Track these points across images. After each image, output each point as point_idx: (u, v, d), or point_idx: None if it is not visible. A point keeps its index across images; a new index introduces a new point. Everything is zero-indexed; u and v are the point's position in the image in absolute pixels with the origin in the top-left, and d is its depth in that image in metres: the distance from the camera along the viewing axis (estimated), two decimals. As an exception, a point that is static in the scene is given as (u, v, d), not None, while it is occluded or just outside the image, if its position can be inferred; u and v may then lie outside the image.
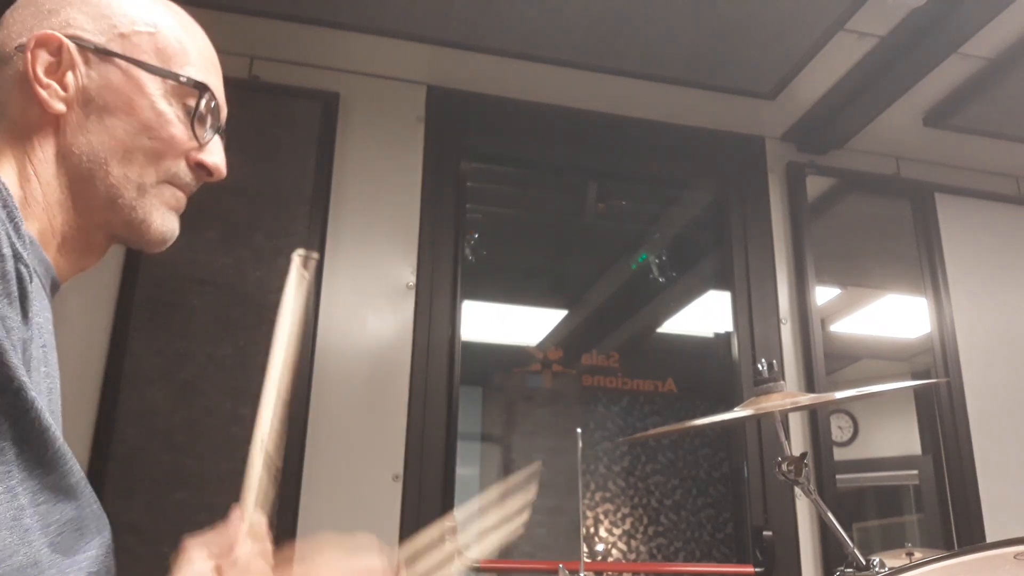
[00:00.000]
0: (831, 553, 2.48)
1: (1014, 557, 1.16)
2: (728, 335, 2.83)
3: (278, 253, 2.38)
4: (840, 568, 1.38)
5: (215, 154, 0.85)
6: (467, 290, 2.64)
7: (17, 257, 0.62)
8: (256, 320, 2.31)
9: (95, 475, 2.09)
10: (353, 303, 2.43)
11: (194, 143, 0.82)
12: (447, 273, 2.54)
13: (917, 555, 2.06)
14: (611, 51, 2.53)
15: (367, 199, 2.54)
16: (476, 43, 2.52)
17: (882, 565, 1.34)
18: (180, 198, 0.84)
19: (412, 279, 2.49)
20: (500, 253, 3.35)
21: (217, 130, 0.85)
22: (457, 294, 2.53)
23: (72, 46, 0.77)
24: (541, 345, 3.37)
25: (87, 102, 0.78)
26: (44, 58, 0.77)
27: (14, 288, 0.61)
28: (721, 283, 2.95)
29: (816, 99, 2.74)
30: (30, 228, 0.74)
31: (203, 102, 0.82)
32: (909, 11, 2.26)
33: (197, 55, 0.84)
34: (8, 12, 0.81)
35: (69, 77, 0.77)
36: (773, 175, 2.93)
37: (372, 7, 2.37)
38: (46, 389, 0.68)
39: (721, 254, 2.95)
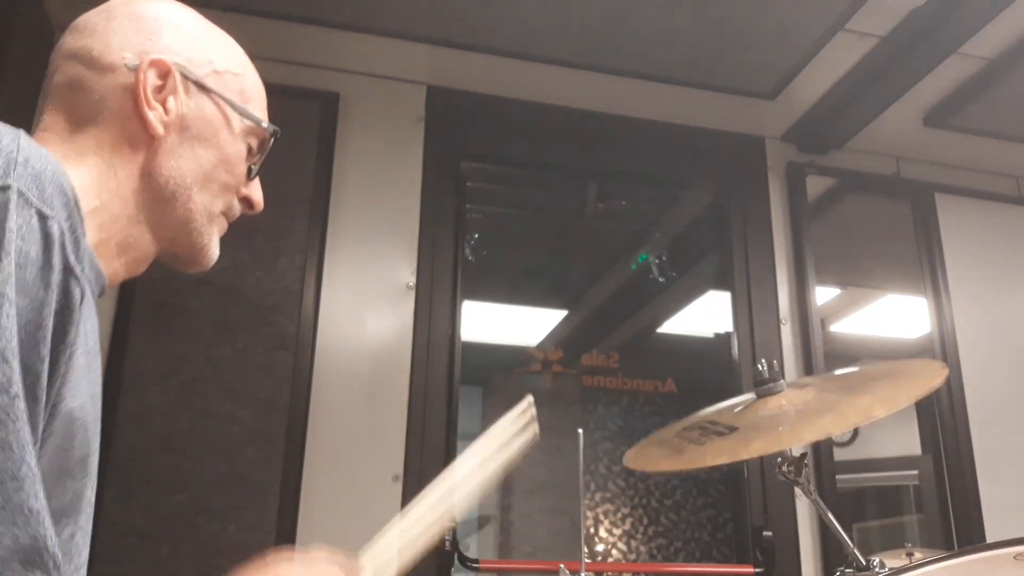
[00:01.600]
0: (831, 553, 2.48)
1: (1014, 557, 1.16)
2: (728, 335, 2.83)
3: (278, 254, 2.38)
4: (840, 568, 1.38)
5: (259, 190, 0.93)
6: (467, 290, 2.63)
7: (69, 271, 0.63)
8: (256, 321, 2.31)
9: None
10: (353, 303, 2.43)
11: (244, 179, 0.90)
12: (447, 273, 2.54)
13: (917, 555, 2.05)
14: (611, 51, 2.53)
15: (367, 199, 2.54)
16: (476, 43, 2.52)
17: (882, 565, 1.34)
18: (224, 228, 0.91)
19: (412, 279, 2.49)
20: (500, 253, 3.35)
21: (258, 169, 0.93)
22: (457, 294, 2.53)
23: (178, 75, 0.82)
24: (541, 345, 3.37)
25: (183, 129, 0.82)
26: (153, 80, 0.81)
27: (52, 300, 0.62)
28: (721, 283, 2.95)
29: (816, 99, 2.74)
30: (93, 237, 0.75)
31: (267, 145, 0.90)
32: (909, 11, 2.26)
33: (263, 102, 0.92)
34: (103, 20, 0.83)
35: (171, 102, 0.82)
36: (773, 175, 2.93)
37: (372, 7, 2.37)
38: (89, 395, 0.69)
39: (721, 254, 2.95)
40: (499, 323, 3.51)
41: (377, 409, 2.36)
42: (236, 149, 0.86)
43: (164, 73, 0.81)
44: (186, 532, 2.07)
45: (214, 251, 0.89)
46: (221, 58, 0.86)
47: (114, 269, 0.80)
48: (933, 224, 2.99)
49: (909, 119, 2.82)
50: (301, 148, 2.48)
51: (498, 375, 3.42)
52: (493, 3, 2.33)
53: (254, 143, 0.89)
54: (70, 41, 0.83)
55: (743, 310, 2.77)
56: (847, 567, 1.37)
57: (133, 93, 0.79)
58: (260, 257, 2.36)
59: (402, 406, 2.36)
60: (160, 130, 0.80)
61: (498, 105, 2.74)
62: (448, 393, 2.43)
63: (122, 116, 0.80)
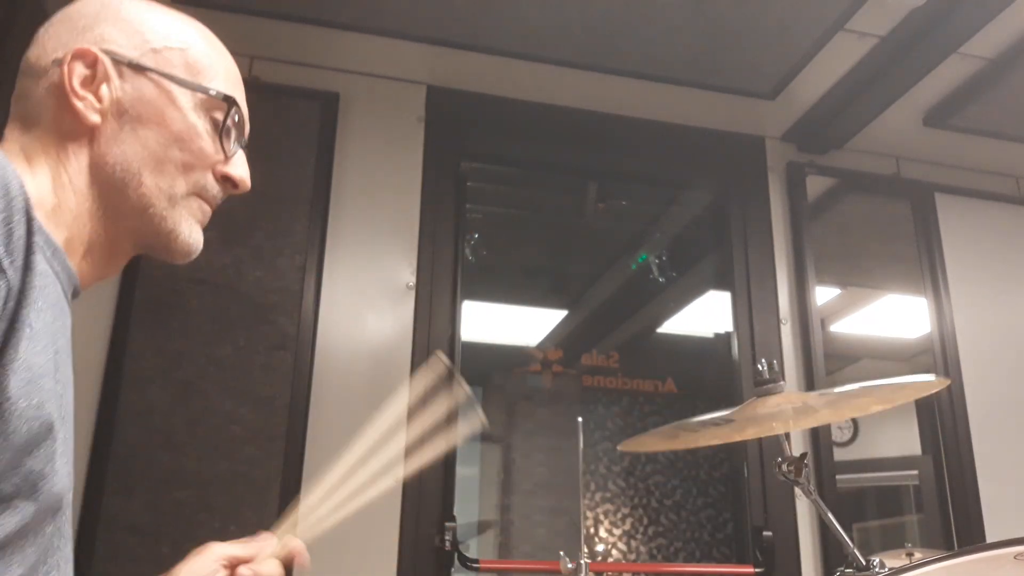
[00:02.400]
0: (831, 553, 2.48)
1: (1014, 557, 1.16)
2: (728, 335, 2.83)
3: (278, 253, 2.38)
4: (840, 568, 1.38)
5: (240, 167, 0.87)
6: (467, 290, 2.63)
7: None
8: (255, 320, 2.31)
9: (95, 475, 2.10)
10: (353, 303, 2.43)
11: (220, 156, 0.85)
12: (447, 273, 2.54)
13: (917, 555, 2.06)
14: (611, 51, 2.53)
15: (367, 199, 2.54)
16: (476, 43, 2.52)
17: (882, 565, 1.34)
18: (206, 211, 0.87)
19: (412, 279, 2.49)
20: (500, 253, 3.35)
21: (242, 144, 0.88)
22: (457, 294, 2.53)
23: (107, 60, 0.80)
24: (541, 345, 3.37)
25: (121, 114, 0.80)
26: (80, 71, 0.79)
27: None
28: (721, 283, 2.95)
29: (816, 99, 2.74)
30: (58, 236, 0.75)
31: (230, 115, 0.85)
32: (909, 11, 2.26)
33: (224, 71, 0.87)
34: (43, 28, 0.84)
35: (104, 90, 0.80)
36: (773, 175, 2.93)
37: (372, 7, 2.37)
38: (56, 396, 0.68)
39: (721, 254, 2.95)
40: (499, 323, 3.51)
41: (377, 409, 2.35)
42: (188, 125, 0.82)
43: (91, 62, 0.80)
44: (187, 530, 2.07)
45: (186, 235, 0.85)
46: (160, 36, 0.83)
47: (83, 268, 0.80)
48: (933, 224, 2.99)
49: (909, 119, 2.82)
50: (301, 148, 2.48)
51: (498, 375, 3.42)
52: (493, 3, 2.33)
53: (218, 116, 0.85)
54: (24, 56, 0.84)
55: (743, 310, 2.77)
56: (847, 567, 1.37)
57: (62, 88, 0.79)
58: (260, 256, 2.36)
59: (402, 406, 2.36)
60: (94, 119, 0.79)
61: (498, 105, 2.74)
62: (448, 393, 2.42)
63: (58, 114, 0.79)
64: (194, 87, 0.83)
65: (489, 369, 3.39)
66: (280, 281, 2.36)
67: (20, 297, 0.63)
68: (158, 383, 2.20)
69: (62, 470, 0.68)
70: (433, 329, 2.46)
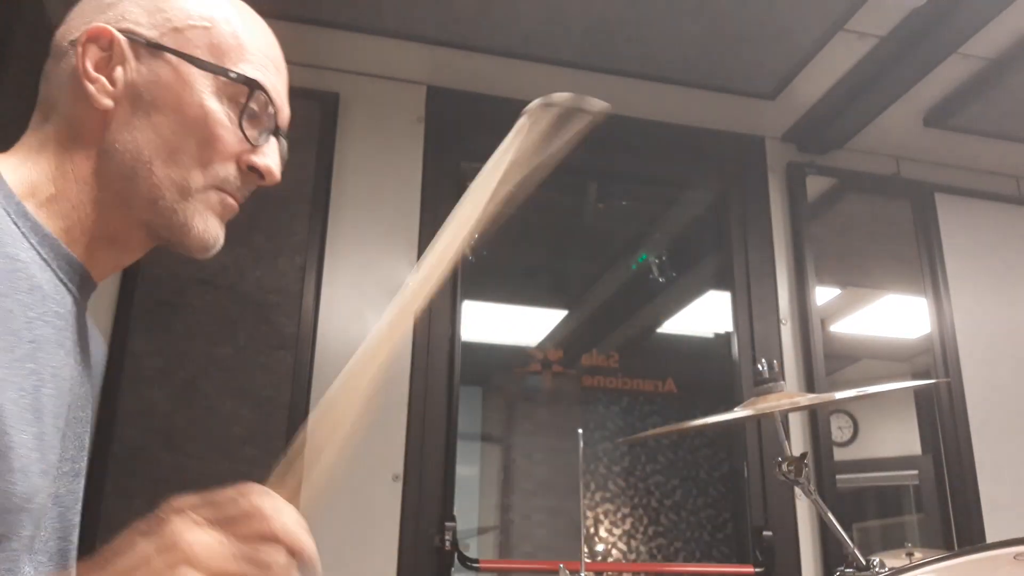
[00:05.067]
0: (831, 553, 2.48)
1: (1014, 557, 1.16)
2: (728, 335, 2.83)
3: (278, 253, 2.38)
4: (840, 568, 1.38)
5: (268, 156, 0.80)
6: (467, 290, 2.63)
7: None
8: (256, 320, 2.31)
9: (95, 475, 2.10)
10: (353, 303, 2.43)
11: (246, 145, 0.78)
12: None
13: (917, 555, 2.05)
14: (611, 51, 2.53)
15: (367, 199, 2.54)
16: (476, 43, 2.52)
17: (882, 565, 1.34)
18: (229, 204, 0.80)
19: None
20: (500, 253, 3.35)
21: (273, 132, 0.81)
22: (457, 294, 2.53)
23: (124, 40, 0.75)
24: (541, 345, 3.37)
25: (135, 98, 0.75)
26: (95, 52, 0.75)
27: None
28: (721, 283, 2.95)
29: (816, 99, 2.74)
30: (55, 225, 0.73)
31: (252, 99, 0.78)
32: (909, 11, 2.26)
33: (255, 52, 0.80)
34: (73, 8, 0.80)
35: (118, 72, 0.75)
36: (773, 175, 2.93)
37: (372, 7, 2.37)
38: (30, 388, 0.65)
39: (721, 254, 2.95)
40: (499, 323, 3.51)
41: (377, 409, 2.36)
42: (205, 112, 0.75)
43: (107, 43, 0.75)
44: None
45: (199, 231, 0.77)
46: (183, 12, 0.77)
47: (90, 257, 0.76)
48: (933, 224, 2.99)
49: (909, 119, 2.82)
50: (301, 148, 2.48)
51: (498, 375, 3.42)
52: (493, 3, 2.33)
53: (243, 100, 0.77)
54: (55, 34, 0.80)
55: (743, 310, 2.77)
56: (847, 567, 1.37)
57: (76, 70, 0.75)
58: (260, 256, 2.36)
59: (402, 406, 2.36)
60: (106, 103, 0.74)
61: (498, 105, 2.74)
62: (448, 393, 2.43)
63: (73, 97, 0.75)
64: (214, 69, 0.76)
65: (489, 369, 3.40)
66: (280, 281, 2.36)
67: None
68: (158, 383, 2.20)
69: (28, 468, 0.63)
70: (433, 329, 2.46)
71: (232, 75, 0.77)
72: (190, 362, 2.24)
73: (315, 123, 2.52)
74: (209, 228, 0.78)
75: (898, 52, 2.42)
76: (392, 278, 2.49)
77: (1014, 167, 3.13)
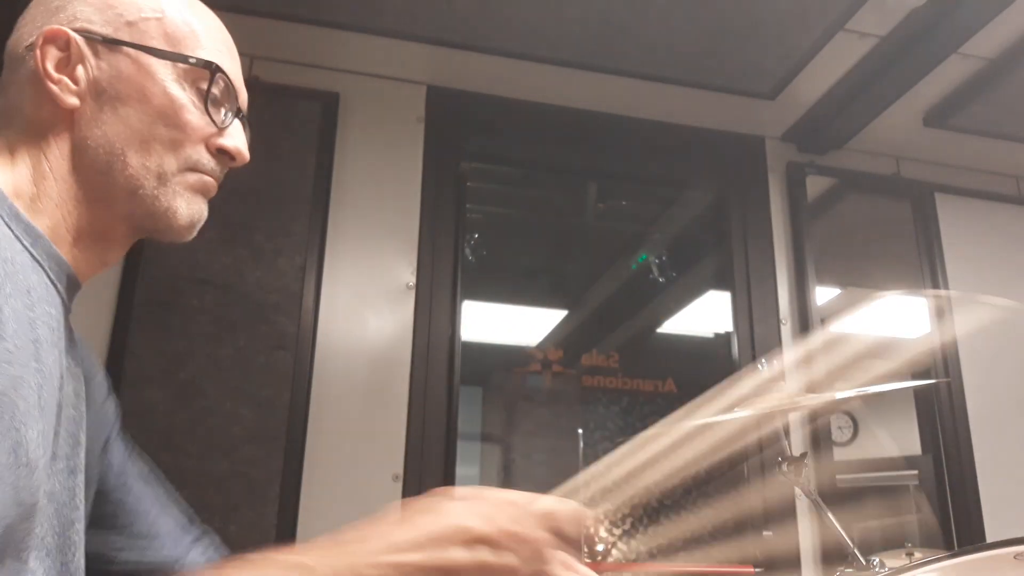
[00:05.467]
0: (831, 553, 2.47)
1: (1014, 557, 1.16)
2: (728, 335, 2.83)
3: (278, 253, 2.38)
4: (840, 568, 1.38)
5: (235, 137, 0.83)
6: (467, 290, 2.63)
7: None
8: (256, 321, 2.31)
9: (95, 475, 2.10)
10: (353, 303, 2.43)
11: (212, 128, 0.81)
12: (447, 273, 2.54)
13: (917, 555, 2.05)
14: (611, 51, 2.53)
15: (367, 199, 2.54)
16: (476, 43, 2.51)
17: (882, 565, 1.34)
18: (207, 181, 0.82)
19: (412, 279, 2.49)
20: (500, 253, 3.35)
21: (236, 113, 0.83)
22: (457, 294, 2.53)
23: (80, 39, 0.77)
24: (541, 345, 3.37)
25: (99, 94, 0.77)
26: (54, 54, 0.76)
27: None
28: (721, 283, 2.95)
29: (816, 99, 2.74)
30: (40, 224, 0.73)
31: (214, 82, 0.80)
32: (909, 11, 2.26)
33: (208, 38, 0.82)
34: (22, 16, 0.81)
35: (79, 71, 0.77)
36: (773, 175, 2.93)
37: (372, 7, 2.37)
38: (36, 385, 0.66)
39: (721, 254, 2.95)
40: (499, 323, 3.50)
41: (377, 409, 2.36)
42: (170, 99, 0.78)
43: (64, 43, 0.77)
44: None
45: (184, 211, 0.79)
46: (133, 7, 0.79)
47: (77, 256, 0.77)
48: (933, 224, 2.99)
49: (909, 119, 2.82)
50: (301, 148, 2.48)
51: (498, 375, 3.42)
52: (493, 3, 2.33)
53: (204, 84, 0.80)
54: (6, 45, 0.82)
55: (743, 310, 2.77)
56: (847, 567, 1.37)
57: (37, 73, 0.76)
58: (260, 256, 2.36)
59: (402, 406, 2.36)
60: (71, 101, 0.76)
61: (498, 105, 2.74)
62: (448, 393, 2.43)
63: (37, 100, 0.76)
64: (172, 57, 0.79)
65: (489, 369, 3.39)
66: (280, 281, 2.36)
67: None
68: (158, 383, 2.20)
69: (36, 463, 0.64)
70: (433, 329, 2.46)
71: (192, 60, 0.79)
72: (190, 362, 2.24)
73: (315, 123, 2.51)
74: (192, 207, 0.81)
75: (898, 52, 2.42)
76: (392, 278, 2.49)
77: (1014, 167, 3.13)
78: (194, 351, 2.25)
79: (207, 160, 0.81)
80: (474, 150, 2.79)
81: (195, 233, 0.82)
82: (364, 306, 2.44)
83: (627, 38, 2.47)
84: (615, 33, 2.45)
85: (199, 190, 0.81)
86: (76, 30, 0.77)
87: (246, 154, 0.84)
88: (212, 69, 0.80)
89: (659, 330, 3.65)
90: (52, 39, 0.77)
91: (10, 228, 0.70)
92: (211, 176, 0.82)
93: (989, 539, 2.59)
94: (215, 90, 0.80)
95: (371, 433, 2.33)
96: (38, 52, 0.76)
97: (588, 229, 3.52)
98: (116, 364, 2.19)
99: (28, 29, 0.79)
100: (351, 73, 2.63)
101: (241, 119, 0.85)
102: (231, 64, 0.84)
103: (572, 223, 3.55)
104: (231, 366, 2.25)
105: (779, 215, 2.89)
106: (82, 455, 0.79)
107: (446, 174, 2.64)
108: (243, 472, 2.18)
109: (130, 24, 0.79)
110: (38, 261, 0.72)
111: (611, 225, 3.55)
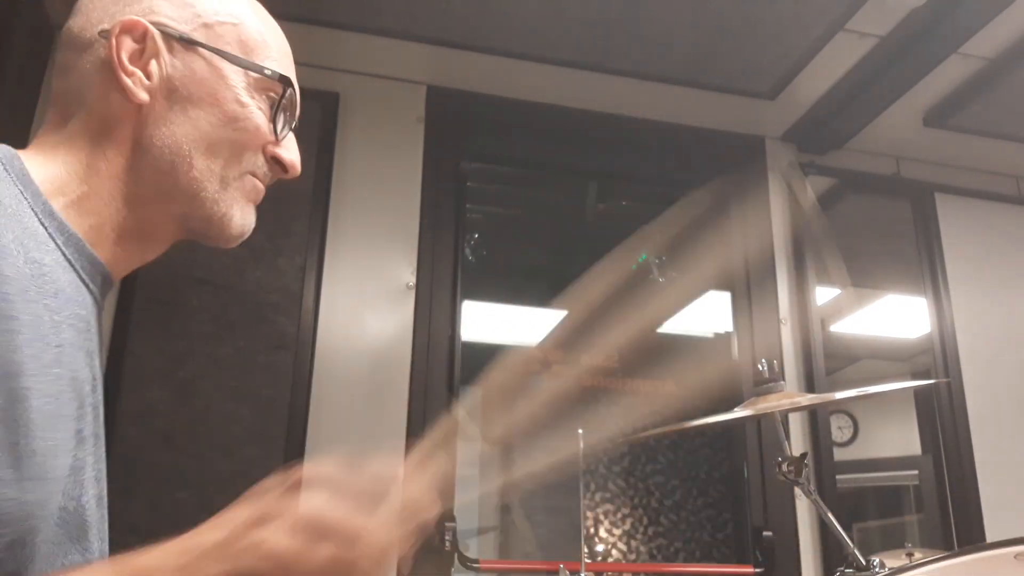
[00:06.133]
0: (831, 553, 2.47)
1: (1014, 557, 1.16)
2: (728, 335, 2.83)
3: (278, 253, 2.38)
4: (840, 568, 1.38)
5: (292, 150, 0.83)
6: (467, 290, 2.64)
7: None
8: (256, 321, 2.31)
9: (95, 475, 2.10)
10: (353, 303, 2.43)
11: (272, 137, 0.81)
12: (447, 273, 2.54)
13: (917, 555, 2.05)
14: (611, 51, 2.53)
15: (367, 199, 2.54)
16: (476, 43, 2.52)
17: (882, 565, 1.34)
18: (259, 189, 0.82)
19: (412, 279, 2.49)
20: (500, 253, 3.35)
21: (292, 127, 0.84)
22: (457, 294, 2.53)
23: (157, 34, 0.75)
24: (541, 345, 3.37)
25: (171, 92, 0.76)
26: (128, 45, 0.75)
27: None
28: (721, 283, 2.94)
29: (816, 99, 2.74)
30: (83, 223, 0.72)
31: (285, 96, 0.80)
32: (909, 11, 2.26)
33: (277, 49, 0.83)
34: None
35: (153, 66, 0.75)
36: (773, 175, 2.93)
37: (372, 7, 2.37)
38: (55, 392, 0.65)
39: (721, 254, 2.94)
40: (499, 323, 3.51)
41: (377, 409, 2.36)
42: (242, 104, 0.77)
43: (141, 35, 0.75)
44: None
45: (239, 219, 0.80)
46: (211, 9, 0.78)
47: (117, 254, 0.76)
48: (933, 224, 2.99)
49: (909, 119, 2.82)
50: (301, 148, 2.48)
51: (498, 375, 3.42)
52: (493, 3, 2.33)
53: (273, 95, 0.80)
54: (65, 26, 0.79)
55: (743, 310, 2.77)
56: (847, 567, 1.37)
57: (109, 63, 0.74)
58: (260, 256, 2.36)
59: (402, 406, 2.36)
60: (143, 96, 0.74)
61: (498, 105, 2.74)
62: (448, 393, 2.43)
63: (104, 91, 0.74)
64: (248, 66, 0.78)
65: (489, 369, 3.39)
66: (280, 281, 2.36)
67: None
68: (158, 383, 2.20)
69: (46, 475, 0.63)
70: (433, 329, 2.46)
71: (267, 72, 0.79)
72: (190, 362, 2.24)
73: (315, 123, 2.52)
74: (246, 216, 0.81)
75: (898, 52, 2.42)
76: (392, 278, 2.49)
77: (1014, 167, 3.13)
78: (194, 351, 2.25)
79: (262, 166, 0.81)
80: (474, 150, 2.79)
81: (242, 241, 0.82)
82: (364, 306, 2.44)
83: (627, 38, 2.47)
84: (615, 33, 2.45)
85: (252, 198, 0.82)
86: (153, 23, 0.75)
87: (299, 167, 0.84)
88: (285, 83, 0.80)
89: (659, 330, 3.66)
90: (129, 30, 0.75)
91: (44, 226, 0.69)
92: (263, 181, 0.83)
93: (989, 539, 2.59)
94: (284, 101, 0.81)
95: (371, 433, 2.33)
96: (114, 41, 0.74)
97: (588, 229, 3.52)
98: (116, 364, 2.19)
99: (97, 14, 0.77)
100: (351, 73, 2.63)
101: (293, 131, 0.85)
102: (294, 77, 0.84)
103: (572, 223, 3.55)
104: (231, 366, 2.25)
105: (779, 215, 2.89)
106: (104, 460, 0.78)
107: (446, 174, 2.64)
108: (243, 472, 2.18)
109: (207, 26, 0.78)
110: (70, 261, 0.70)
111: (611, 225, 3.56)
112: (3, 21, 2.08)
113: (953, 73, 2.59)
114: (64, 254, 0.70)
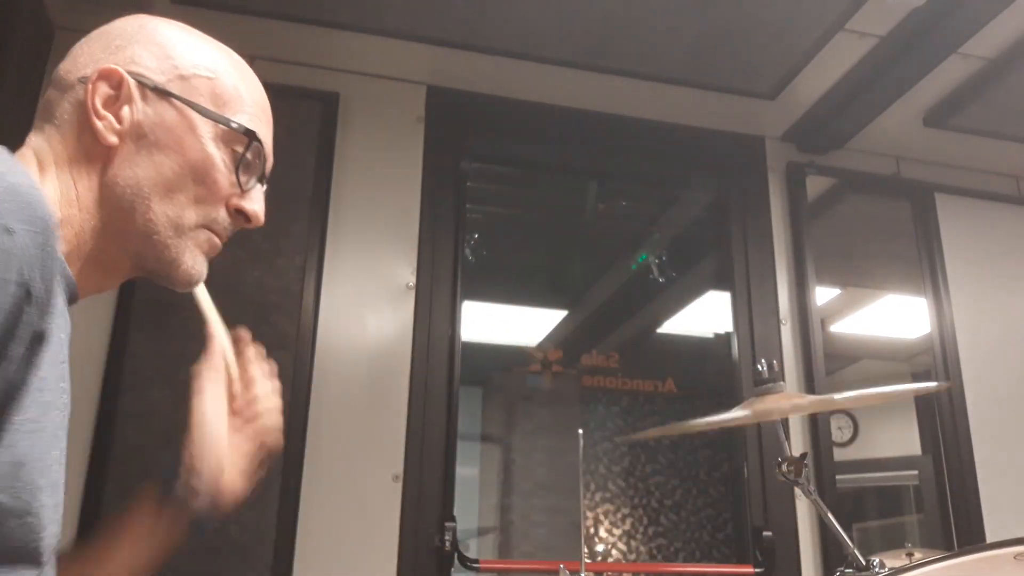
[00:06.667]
0: (831, 553, 2.48)
1: (1014, 557, 1.16)
2: (728, 335, 2.83)
3: (278, 254, 2.38)
4: (840, 568, 1.38)
5: (255, 201, 0.87)
6: (467, 290, 2.63)
7: (26, 291, 0.60)
8: (255, 321, 2.31)
9: (95, 475, 2.10)
10: (353, 303, 2.43)
11: (236, 189, 0.85)
12: (447, 273, 2.54)
13: (917, 555, 2.05)
14: (611, 51, 2.53)
15: (367, 199, 2.54)
16: (476, 43, 2.52)
17: (882, 565, 1.34)
18: (215, 243, 0.87)
19: (412, 279, 2.49)
20: (500, 253, 3.35)
21: (260, 179, 0.88)
22: (457, 294, 2.53)
23: (132, 82, 0.80)
24: (541, 345, 3.37)
25: (139, 136, 0.80)
26: (104, 91, 0.80)
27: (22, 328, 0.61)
28: (721, 283, 2.95)
29: (816, 99, 2.74)
30: (60, 249, 0.74)
31: (250, 149, 0.84)
32: (909, 11, 2.26)
33: (251, 104, 0.87)
34: (79, 43, 0.85)
35: (125, 111, 0.80)
36: (773, 175, 2.93)
37: (372, 7, 2.37)
38: (62, 405, 0.68)
39: (721, 254, 2.95)
40: (499, 323, 3.51)
41: (377, 409, 2.36)
42: (205, 155, 0.82)
43: (117, 83, 0.80)
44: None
45: (189, 266, 0.85)
46: (190, 62, 0.83)
47: (79, 281, 0.79)
48: (933, 224, 2.99)
49: (909, 119, 2.82)
50: (301, 148, 2.48)
51: (498, 375, 3.42)
52: (493, 3, 2.33)
53: (238, 149, 0.84)
54: (57, 67, 0.84)
55: (743, 310, 2.77)
56: (847, 567, 1.37)
57: (84, 105, 0.79)
58: (260, 256, 2.36)
59: (402, 406, 2.36)
60: (111, 139, 0.79)
61: (498, 105, 2.74)
62: (448, 393, 2.42)
63: (78, 129, 0.79)
64: (216, 118, 0.83)
65: (489, 369, 3.39)
66: (280, 281, 2.36)
67: (43, 324, 0.63)
68: (158, 384, 2.20)
69: (57, 485, 0.67)
70: (433, 329, 2.46)
71: (234, 125, 0.84)
72: (190, 362, 2.23)
73: (315, 123, 2.51)
74: (196, 264, 0.86)
75: (898, 52, 2.42)
76: (392, 278, 2.49)
77: (1014, 167, 3.13)
78: (194, 351, 2.24)
79: (223, 219, 0.85)
80: (474, 150, 2.79)
81: (191, 289, 0.89)
82: (364, 306, 2.44)
83: (627, 38, 2.47)
84: (615, 33, 2.45)
85: (205, 250, 0.86)
86: (131, 72, 0.80)
87: (262, 218, 0.89)
88: (251, 137, 0.84)
89: (659, 330, 3.66)
90: (106, 76, 0.80)
91: None
92: (221, 237, 0.87)
93: (989, 539, 2.59)
94: (248, 155, 0.85)
95: (371, 433, 2.33)
96: (91, 86, 0.79)
97: (588, 229, 3.52)
98: (116, 365, 2.19)
99: (84, 60, 0.82)
100: (351, 73, 2.63)
101: (263, 183, 0.90)
102: (266, 133, 0.88)
103: (572, 223, 3.55)
104: (231, 366, 2.25)
105: (779, 215, 2.89)
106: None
107: (446, 174, 2.64)
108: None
109: (182, 78, 0.82)
110: (59, 285, 0.72)
111: (611, 225, 3.56)
112: (3, 21, 2.08)
113: (953, 73, 2.59)
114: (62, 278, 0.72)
